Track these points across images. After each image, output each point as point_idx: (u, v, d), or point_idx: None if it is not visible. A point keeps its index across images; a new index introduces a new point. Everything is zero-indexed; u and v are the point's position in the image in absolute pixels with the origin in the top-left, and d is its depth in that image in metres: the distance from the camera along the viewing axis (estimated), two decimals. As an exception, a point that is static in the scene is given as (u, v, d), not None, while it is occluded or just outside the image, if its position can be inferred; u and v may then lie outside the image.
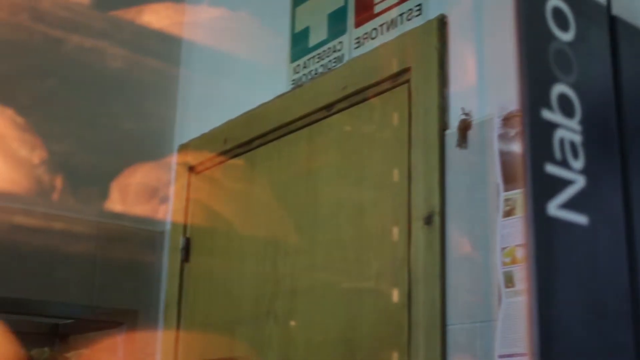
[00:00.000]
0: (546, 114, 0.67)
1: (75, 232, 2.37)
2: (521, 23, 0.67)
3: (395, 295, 1.72)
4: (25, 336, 2.36)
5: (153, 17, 2.56)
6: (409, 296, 1.67)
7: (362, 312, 1.81)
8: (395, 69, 1.84)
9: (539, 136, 0.64)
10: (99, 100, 2.52)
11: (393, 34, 1.89)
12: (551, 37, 0.69)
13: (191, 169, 2.50)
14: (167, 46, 2.66)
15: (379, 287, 1.79)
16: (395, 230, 1.76)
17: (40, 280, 2.30)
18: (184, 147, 2.57)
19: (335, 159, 2.00)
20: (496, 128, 1.58)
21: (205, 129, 2.47)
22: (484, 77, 1.67)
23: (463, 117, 1.67)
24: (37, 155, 2.16)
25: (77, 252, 2.37)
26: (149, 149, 2.59)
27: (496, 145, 1.57)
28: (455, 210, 1.64)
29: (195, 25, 2.69)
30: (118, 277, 2.45)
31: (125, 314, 2.45)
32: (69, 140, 2.38)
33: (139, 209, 2.51)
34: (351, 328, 1.83)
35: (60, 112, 2.42)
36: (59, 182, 2.26)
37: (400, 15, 1.89)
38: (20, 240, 2.26)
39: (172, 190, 2.57)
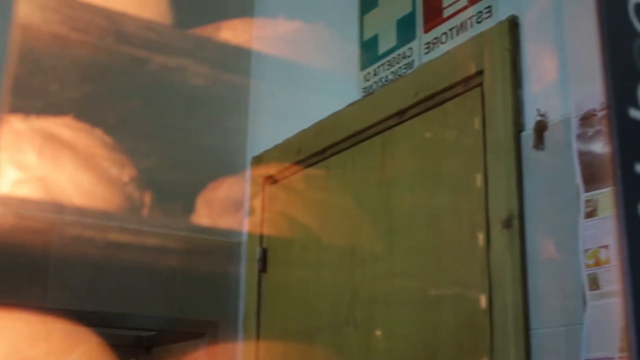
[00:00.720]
0: (633, 113, 0.66)
1: (158, 246, 2.43)
2: (604, 21, 0.66)
3: (476, 301, 1.70)
4: (110, 348, 2.42)
5: (229, 33, 2.61)
6: (490, 301, 1.65)
7: (442, 318, 1.80)
8: (467, 72, 1.82)
9: (627, 136, 0.63)
10: (180, 117, 2.59)
11: (463, 37, 1.88)
12: (635, 34, 0.68)
13: (266, 180, 2.53)
14: (239, 59, 2.71)
15: (459, 293, 1.77)
16: (474, 235, 1.74)
17: (125, 293, 2.37)
18: (258, 159, 2.60)
19: (410, 164, 2.00)
20: (574, 128, 1.55)
21: (279, 139, 2.50)
22: (558, 77, 1.64)
23: (539, 118, 1.65)
24: (126, 173, 2.23)
25: (160, 265, 2.42)
26: (225, 162, 2.64)
27: (574, 146, 1.54)
28: (535, 212, 1.62)
29: (265, 38, 2.72)
30: (198, 289, 2.49)
31: (206, 325, 2.49)
32: (154, 157, 2.45)
33: (217, 222, 2.56)
34: (432, 334, 1.82)
35: (144, 130, 2.50)
36: (147, 198, 2.33)
37: (470, 18, 1.88)
38: (108, 256, 2.33)
39: (247, 202, 2.60)
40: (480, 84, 1.80)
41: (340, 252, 2.17)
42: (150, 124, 2.52)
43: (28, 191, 2.14)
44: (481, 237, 1.72)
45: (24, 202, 2.16)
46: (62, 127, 2.21)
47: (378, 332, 1.99)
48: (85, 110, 2.32)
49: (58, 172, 2.17)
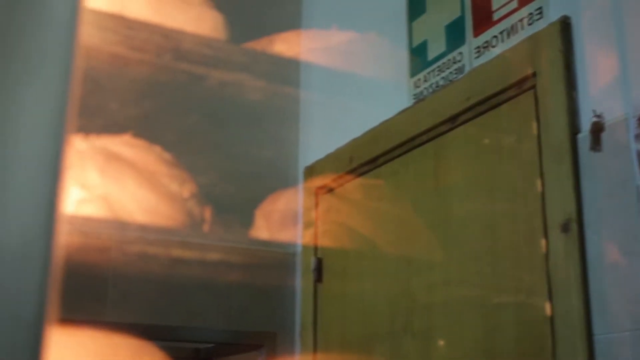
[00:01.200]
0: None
1: (217, 260, 2.45)
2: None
3: (537, 307, 1.68)
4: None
5: (281, 45, 2.64)
6: (551, 307, 1.63)
7: (502, 325, 1.78)
8: (519, 75, 1.80)
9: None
10: (235, 131, 2.62)
11: (514, 40, 1.86)
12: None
13: (319, 190, 2.54)
14: (289, 71, 2.73)
15: (519, 299, 1.75)
16: (532, 240, 1.72)
17: (185, 306, 2.39)
18: (310, 169, 2.61)
19: (463, 170, 1.98)
20: (632, 128, 1.52)
21: (330, 149, 2.50)
22: (614, 78, 1.61)
23: (595, 119, 1.62)
24: (186, 189, 2.26)
25: (218, 278, 2.45)
26: (278, 173, 2.66)
27: (633, 146, 1.51)
28: (594, 216, 1.59)
29: (314, 48, 2.74)
30: (256, 301, 2.51)
31: (264, 337, 2.50)
32: (211, 171, 2.49)
33: (273, 233, 2.57)
34: (492, 342, 1.80)
35: (202, 145, 2.54)
36: (207, 213, 2.36)
37: (521, 20, 1.86)
38: (170, 271, 2.37)
39: (301, 212, 2.61)
40: (534, 87, 1.78)
41: (396, 260, 2.16)
42: (207, 139, 2.55)
43: (91, 210, 2.19)
44: (539, 242, 1.69)
45: (88, 221, 2.20)
46: (123, 145, 2.25)
47: (437, 341, 1.98)
48: (145, 128, 2.37)
49: (120, 190, 2.22)
